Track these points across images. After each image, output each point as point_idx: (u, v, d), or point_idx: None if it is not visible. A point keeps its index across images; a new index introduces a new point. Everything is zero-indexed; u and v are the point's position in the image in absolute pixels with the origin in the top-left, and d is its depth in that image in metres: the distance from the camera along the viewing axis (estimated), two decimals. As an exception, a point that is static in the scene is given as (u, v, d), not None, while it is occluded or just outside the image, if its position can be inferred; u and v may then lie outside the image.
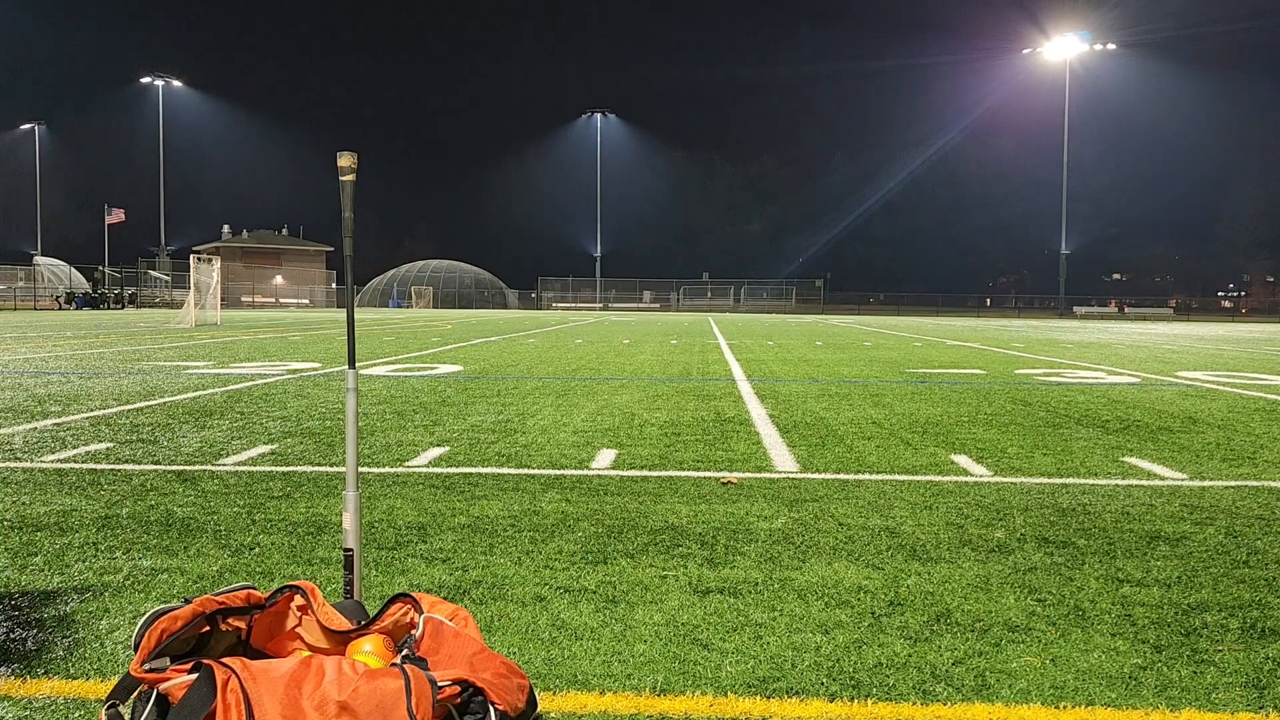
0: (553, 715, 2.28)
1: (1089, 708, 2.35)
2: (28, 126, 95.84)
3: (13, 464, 5.28)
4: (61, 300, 59.23)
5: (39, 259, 76.89)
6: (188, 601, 2.15)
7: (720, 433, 6.71)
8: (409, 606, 2.32)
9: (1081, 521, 4.22)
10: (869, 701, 2.37)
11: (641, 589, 3.19)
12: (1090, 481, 5.13)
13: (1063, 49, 79.86)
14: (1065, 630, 2.85)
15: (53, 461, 5.35)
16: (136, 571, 3.32)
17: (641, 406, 8.17)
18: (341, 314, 51.03)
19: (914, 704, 2.36)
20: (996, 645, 2.73)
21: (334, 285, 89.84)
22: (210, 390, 9.10)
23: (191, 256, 31.25)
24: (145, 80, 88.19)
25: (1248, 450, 6.24)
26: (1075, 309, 79.70)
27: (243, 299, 78.63)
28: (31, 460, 5.38)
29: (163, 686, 1.86)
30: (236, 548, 3.63)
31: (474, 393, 9.17)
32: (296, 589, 2.32)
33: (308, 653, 2.25)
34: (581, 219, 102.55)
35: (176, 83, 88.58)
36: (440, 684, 1.95)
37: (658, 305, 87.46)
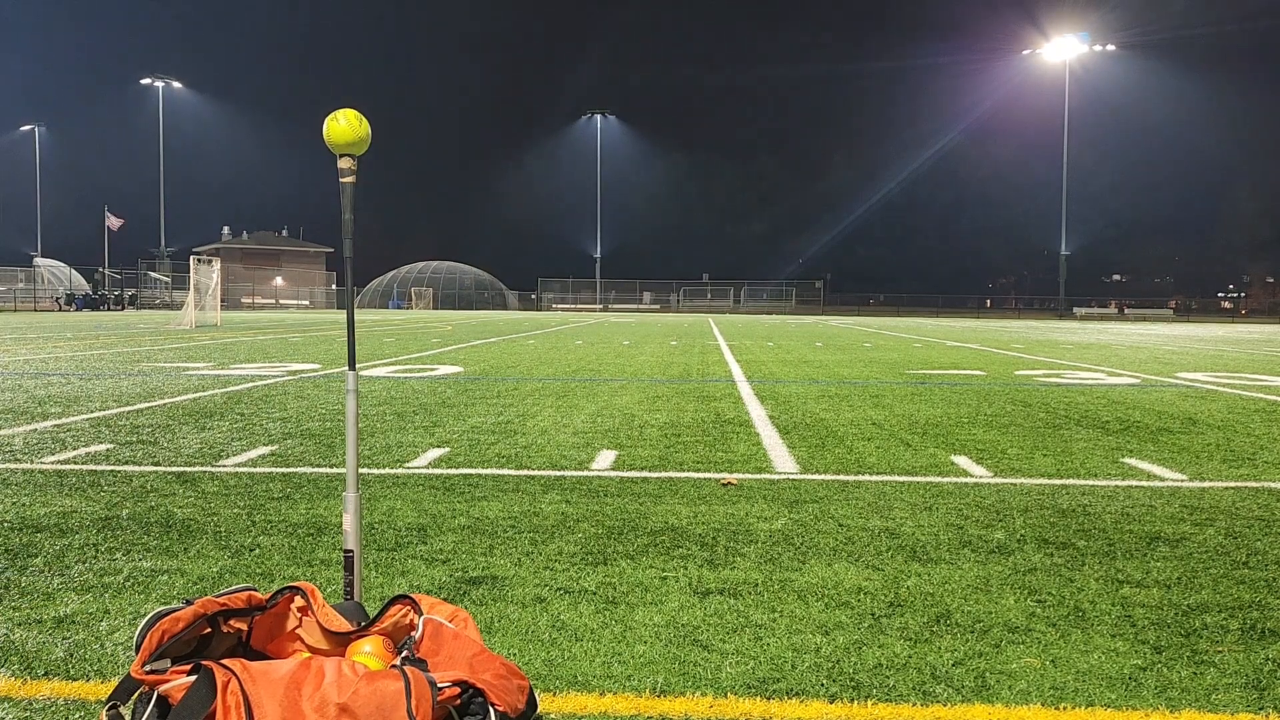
0: (553, 716, 2.28)
1: (1089, 708, 2.35)
2: (28, 127, 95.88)
3: (13, 465, 5.28)
4: (61, 302, 59.23)
5: (39, 260, 76.88)
6: (189, 603, 2.15)
7: (720, 434, 6.71)
8: (408, 608, 2.32)
9: (1081, 522, 4.22)
10: (869, 702, 2.37)
11: (641, 590, 3.19)
12: (1090, 482, 5.13)
13: (1062, 50, 79.87)
14: (1065, 631, 2.85)
15: (53, 463, 5.35)
16: (136, 573, 3.32)
17: (641, 408, 8.17)
18: (341, 315, 51.04)
19: (914, 705, 2.36)
20: (996, 646, 2.73)
21: (334, 286, 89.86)
22: (210, 391, 9.11)
23: (191, 258, 31.26)
24: (145, 82, 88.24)
25: (1247, 451, 6.24)
26: (1075, 310, 79.69)
27: (243, 300, 78.64)
28: (32, 461, 5.38)
29: (163, 688, 1.86)
30: (237, 549, 3.63)
31: (474, 394, 9.18)
32: (297, 590, 2.32)
33: (308, 654, 2.25)
34: (581, 220, 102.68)
35: (176, 84, 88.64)
36: (440, 685, 1.95)
37: (658, 306, 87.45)
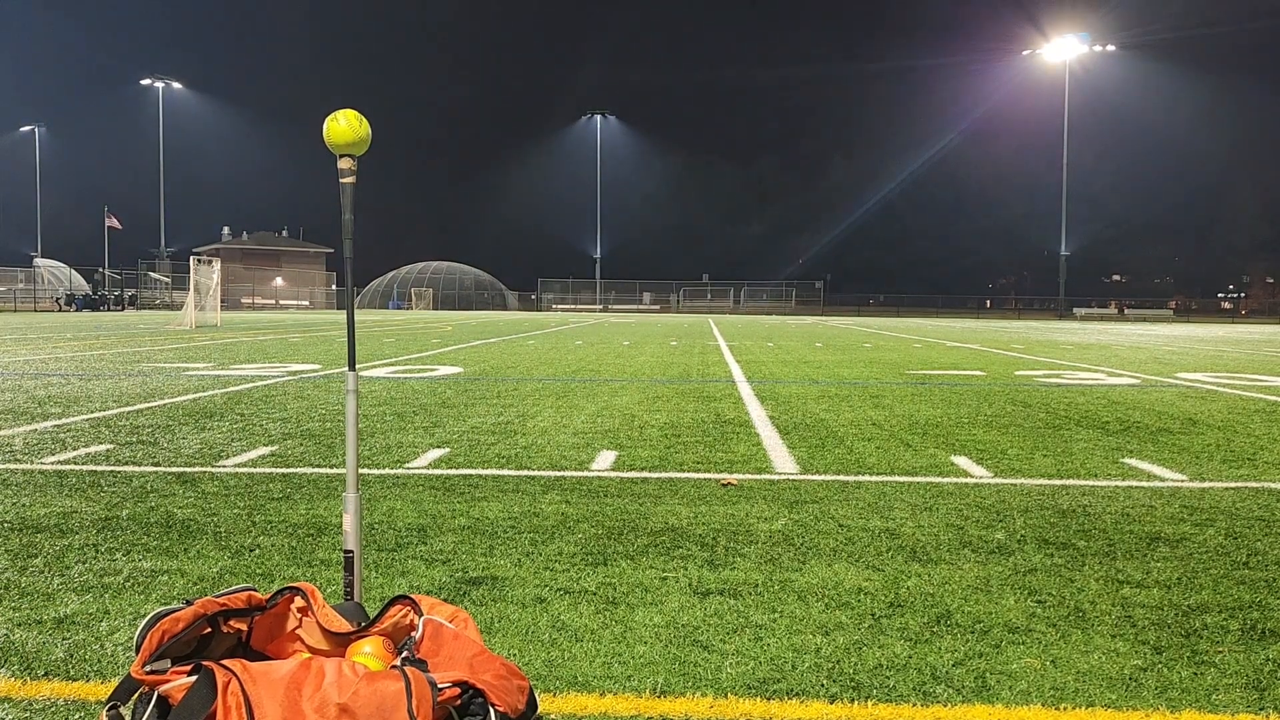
0: (553, 717, 2.28)
1: (1089, 709, 2.35)
2: (28, 127, 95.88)
3: (13, 466, 5.28)
4: (61, 302, 59.21)
5: (39, 261, 76.89)
6: (189, 603, 2.15)
7: (720, 434, 6.71)
8: (408, 608, 2.32)
9: (1081, 523, 4.22)
10: (869, 703, 2.37)
11: (642, 590, 3.19)
12: (1090, 483, 5.13)
13: (1062, 50, 79.91)
14: (1065, 631, 2.85)
15: (53, 463, 5.35)
16: (136, 573, 3.32)
17: (641, 408, 8.17)
18: (341, 316, 51.04)
19: (914, 705, 2.36)
20: (997, 646, 2.73)
21: (334, 287, 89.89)
22: (210, 392, 9.11)
23: (191, 258, 31.22)
24: (145, 82, 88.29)
25: (1248, 451, 6.24)
26: (1075, 310, 79.67)
27: (243, 301, 78.64)
28: (32, 462, 5.38)
29: (163, 688, 1.86)
30: (236, 549, 3.63)
31: (474, 394, 9.17)
32: (297, 591, 2.31)
33: (308, 654, 2.25)
34: (581, 220, 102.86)
35: (176, 84, 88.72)
36: (440, 686, 1.95)
37: (658, 307, 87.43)
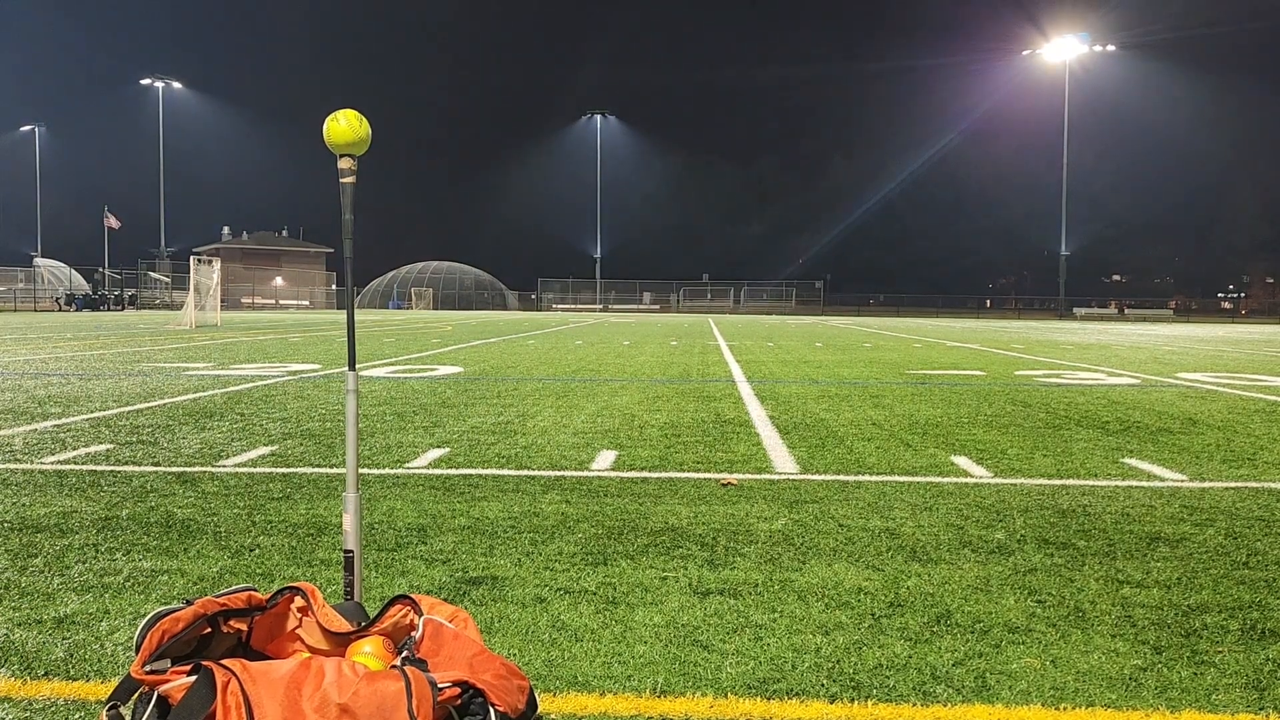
0: (553, 716, 2.28)
1: (1089, 709, 2.35)
2: (28, 127, 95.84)
3: (13, 465, 5.28)
4: (61, 302, 59.21)
5: (39, 260, 76.86)
6: (189, 603, 2.15)
7: (720, 434, 6.71)
8: (408, 608, 2.31)
9: (1081, 523, 4.22)
10: (869, 703, 2.37)
11: (642, 590, 3.19)
12: (1090, 483, 5.13)
13: (1062, 50, 79.92)
14: (1065, 631, 2.85)
15: (53, 463, 5.35)
16: (136, 573, 3.32)
17: (641, 408, 8.17)
18: (341, 315, 51.04)
19: (914, 705, 2.36)
20: (996, 646, 2.73)
21: (334, 287, 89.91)
22: (210, 392, 9.11)
23: (191, 258, 31.21)
24: (145, 82, 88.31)
25: (1248, 451, 6.24)
26: (1075, 310, 79.63)
27: (243, 301, 78.65)
28: (32, 462, 5.38)
29: (163, 688, 1.86)
30: (236, 549, 3.63)
31: (474, 394, 9.17)
32: (297, 590, 2.31)
33: (308, 654, 2.25)
34: (581, 220, 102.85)
35: (176, 84, 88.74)
36: (440, 686, 1.95)
37: (657, 306, 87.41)
